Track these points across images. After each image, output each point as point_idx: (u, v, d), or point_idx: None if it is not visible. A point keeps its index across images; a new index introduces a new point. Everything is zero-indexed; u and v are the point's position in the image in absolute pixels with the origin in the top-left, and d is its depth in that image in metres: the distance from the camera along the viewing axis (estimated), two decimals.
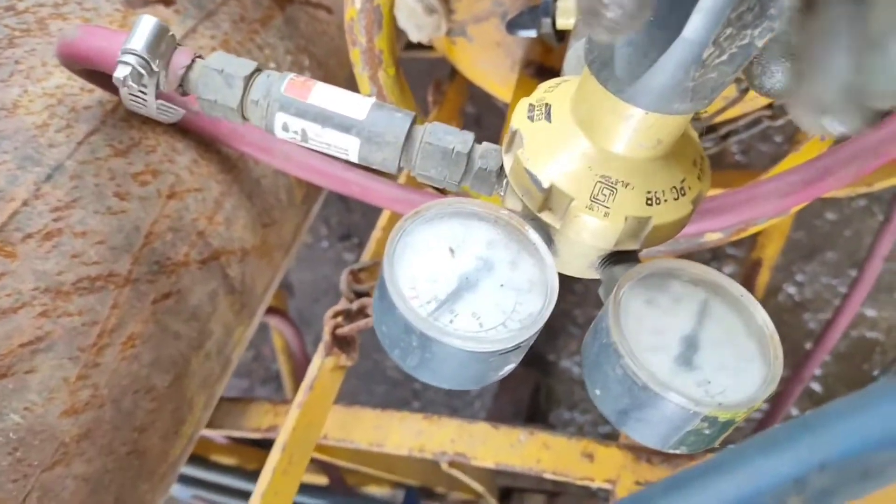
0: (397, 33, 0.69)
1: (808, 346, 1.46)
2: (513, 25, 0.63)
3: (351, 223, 2.06)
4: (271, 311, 1.17)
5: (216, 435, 1.10)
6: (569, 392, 1.82)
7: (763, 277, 1.11)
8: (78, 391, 0.51)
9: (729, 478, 0.20)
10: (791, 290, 1.67)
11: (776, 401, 1.22)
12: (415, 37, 0.83)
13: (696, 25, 0.29)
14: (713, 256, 1.71)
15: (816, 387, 1.63)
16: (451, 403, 1.94)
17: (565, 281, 0.41)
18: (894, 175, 0.76)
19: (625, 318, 0.38)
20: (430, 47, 0.99)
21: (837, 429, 0.19)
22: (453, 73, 1.09)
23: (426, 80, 1.13)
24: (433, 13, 0.79)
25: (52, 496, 0.49)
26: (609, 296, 0.39)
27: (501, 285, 0.39)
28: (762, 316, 0.39)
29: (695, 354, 0.38)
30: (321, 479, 1.28)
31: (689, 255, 0.58)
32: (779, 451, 0.20)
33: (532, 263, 0.40)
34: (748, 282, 1.12)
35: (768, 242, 1.12)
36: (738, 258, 1.69)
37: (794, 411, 1.55)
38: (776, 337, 0.38)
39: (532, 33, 0.62)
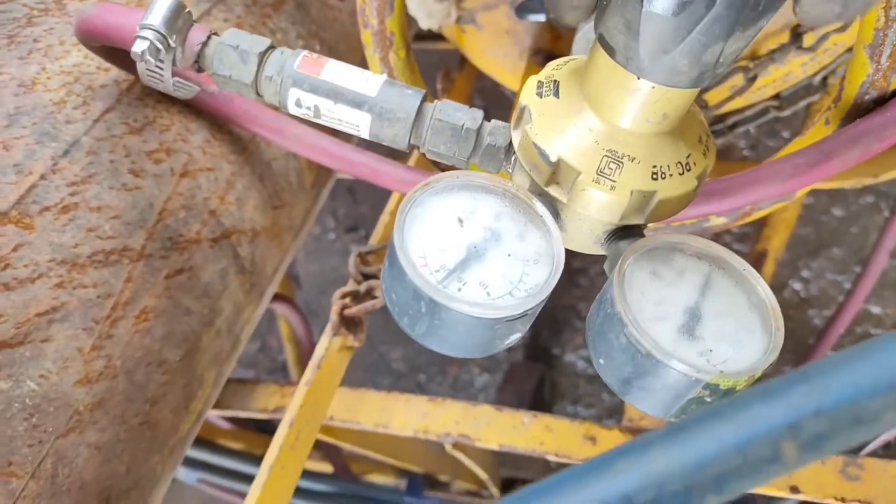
0: (408, 20, 0.70)
1: (812, 342, 1.46)
2: (522, 9, 0.64)
3: (358, 215, 2.07)
4: (278, 297, 1.17)
5: (223, 415, 1.11)
6: (573, 386, 1.83)
7: (768, 269, 1.11)
8: (92, 361, 0.53)
9: (726, 423, 0.21)
10: (797, 286, 1.67)
11: None
12: (425, 24, 0.83)
13: None
14: None
15: None
16: (456, 396, 1.95)
17: (569, 275, 0.42)
18: None
19: (629, 289, 0.39)
20: (440, 37, 1.00)
21: (833, 377, 0.20)
22: (462, 61, 1.10)
23: (436, 73, 1.14)
24: (443, 0, 0.80)
25: (67, 462, 0.50)
26: (614, 268, 0.40)
27: (509, 255, 0.39)
28: (764, 289, 0.40)
29: (697, 325, 0.38)
30: (326, 467, 1.29)
31: None
32: (775, 398, 0.20)
33: (539, 235, 0.41)
34: None
35: (773, 235, 1.12)
36: (743, 253, 1.69)
37: None
38: (777, 309, 0.39)
39: (541, 17, 0.63)
